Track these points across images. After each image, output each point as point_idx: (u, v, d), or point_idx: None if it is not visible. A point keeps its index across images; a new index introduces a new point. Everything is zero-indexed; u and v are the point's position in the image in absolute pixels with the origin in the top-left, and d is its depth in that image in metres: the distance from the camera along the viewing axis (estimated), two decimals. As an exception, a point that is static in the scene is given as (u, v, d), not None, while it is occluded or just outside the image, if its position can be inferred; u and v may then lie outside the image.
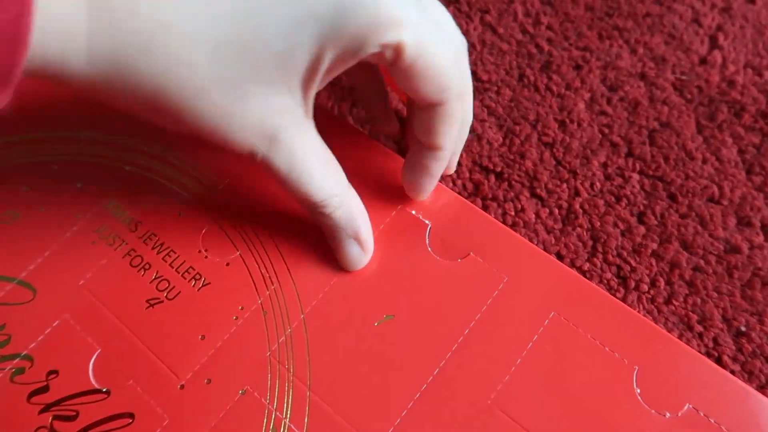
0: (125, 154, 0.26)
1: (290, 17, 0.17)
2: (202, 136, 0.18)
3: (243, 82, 0.17)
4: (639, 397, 0.20)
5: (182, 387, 0.21)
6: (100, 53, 0.16)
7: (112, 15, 0.16)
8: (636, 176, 0.28)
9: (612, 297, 0.22)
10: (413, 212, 0.24)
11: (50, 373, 0.21)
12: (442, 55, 0.19)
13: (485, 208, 0.27)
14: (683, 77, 0.31)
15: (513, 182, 0.28)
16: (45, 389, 0.21)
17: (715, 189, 0.27)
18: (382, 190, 0.25)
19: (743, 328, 0.24)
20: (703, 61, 0.31)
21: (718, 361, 0.23)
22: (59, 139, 0.27)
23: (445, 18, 0.20)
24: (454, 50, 0.19)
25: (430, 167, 0.22)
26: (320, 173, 0.20)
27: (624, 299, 0.25)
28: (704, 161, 0.28)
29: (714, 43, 0.32)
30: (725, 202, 0.27)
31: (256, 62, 0.17)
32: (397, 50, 0.18)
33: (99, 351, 0.22)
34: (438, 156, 0.22)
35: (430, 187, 0.23)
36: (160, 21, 0.16)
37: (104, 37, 0.16)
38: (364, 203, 0.23)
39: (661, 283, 0.25)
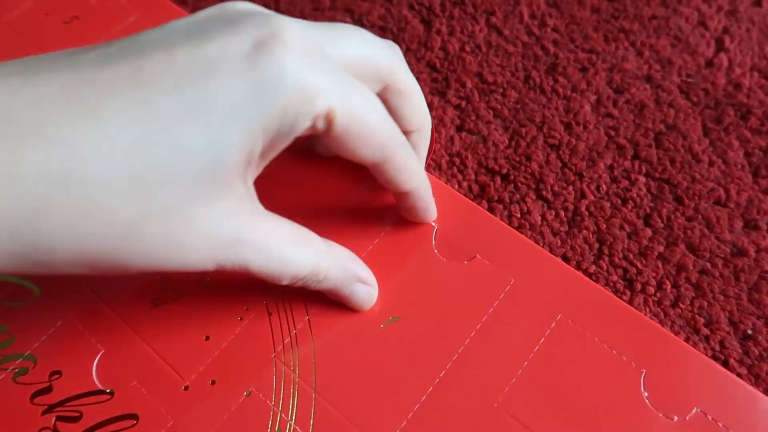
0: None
1: (210, 123, 0.15)
2: (156, 271, 0.17)
3: (176, 206, 0.16)
4: (647, 401, 0.19)
5: (187, 388, 0.21)
6: None
7: None
8: (642, 179, 0.28)
9: (619, 300, 0.21)
10: (419, 213, 0.24)
11: (53, 373, 0.21)
12: (372, 113, 0.18)
13: (491, 210, 0.27)
14: (689, 80, 0.31)
15: (519, 184, 0.28)
16: (48, 390, 0.21)
17: (722, 192, 0.27)
18: (385, 191, 0.24)
19: (750, 331, 0.24)
20: (710, 63, 0.31)
21: (725, 364, 0.23)
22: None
23: (367, 41, 0.19)
24: (381, 110, 0.19)
25: (418, 205, 0.22)
26: (296, 249, 0.19)
27: (630, 302, 0.25)
28: (711, 164, 0.28)
29: (720, 46, 0.32)
30: (732, 205, 0.27)
31: (185, 181, 0.16)
32: (329, 118, 0.17)
33: (103, 351, 0.21)
34: (417, 195, 0.22)
35: (432, 212, 0.23)
36: (57, 172, 0.14)
37: None
38: (367, 207, 0.23)
39: (668, 285, 0.25)
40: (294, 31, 0.17)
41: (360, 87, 0.18)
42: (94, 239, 0.15)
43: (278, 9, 0.34)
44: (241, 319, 0.22)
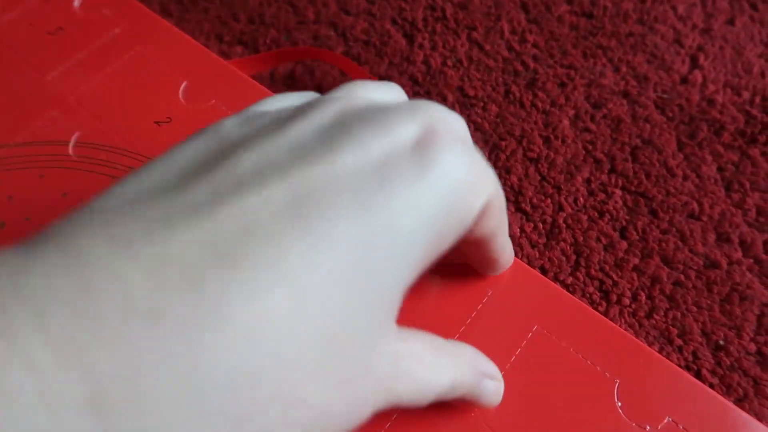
0: (113, 162, 0.26)
1: (394, 256, 0.13)
2: None
3: (360, 362, 0.13)
4: (620, 411, 0.20)
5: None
6: None
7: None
8: (618, 192, 0.28)
9: (595, 311, 0.22)
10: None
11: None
12: (498, 182, 0.17)
13: (471, 221, 0.28)
14: (665, 96, 0.31)
15: (498, 196, 0.28)
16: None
17: (695, 205, 0.28)
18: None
19: (722, 342, 0.25)
20: (684, 80, 0.32)
21: (698, 374, 0.24)
22: (46, 146, 0.27)
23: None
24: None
25: (506, 250, 0.20)
26: (437, 365, 0.16)
27: (606, 313, 0.25)
28: (685, 178, 0.29)
29: (695, 63, 0.32)
30: (705, 218, 0.27)
31: (370, 327, 0.13)
32: (485, 210, 0.16)
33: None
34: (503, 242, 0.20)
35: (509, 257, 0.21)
36: (249, 365, 0.11)
37: None
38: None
39: (643, 297, 0.26)
40: (446, 116, 0.15)
41: (487, 163, 0.16)
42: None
43: (263, 22, 0.35)
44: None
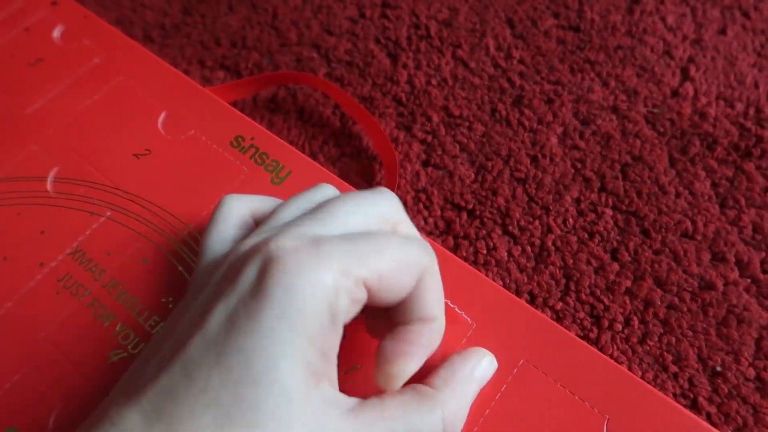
0: (91, 198, 0.26)
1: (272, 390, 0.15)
2: None
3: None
4: (610, 448, 0.19)
5: (143, 445, 0.20)
6: None
7: None
8: (609, 211, 0.28)
9: (584, 343, 0.21)
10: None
11: (9, 430, 0.21)
12: (394, 252, 0.17)
13: (457, 246, 0.27)
14: (655, 110, 0.31)
15: (485, 219, 0.28)
16: (2, 449, 0.20)
17: (689, 224, 0.27)
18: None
19: (719, 368, 0.24)
20: (675, 93, 0.31)
21: (694, 403, 0.23)
22: (24, 182, 0.26)
23: None
24: (396, 242, 0.18)
25: (430, 340, 0.19)
26: (420, 414, 0.18)
27: (597, 339, 0.24)
28: (677, 195, 0.28)
29: (686, 75, 0.32)
30: (699, 237, 0.27)
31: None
32: (366, 286, 0.17)
33: (60, 408, 0.21)
34: (435, 326, 0.19)
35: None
36: None
37: None
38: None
39: (635, 322, 0.25)
40: (284, 241, 0.16)
41: (368, 238, 0.17)
42: None
43: (245, 46, 0.34)
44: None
